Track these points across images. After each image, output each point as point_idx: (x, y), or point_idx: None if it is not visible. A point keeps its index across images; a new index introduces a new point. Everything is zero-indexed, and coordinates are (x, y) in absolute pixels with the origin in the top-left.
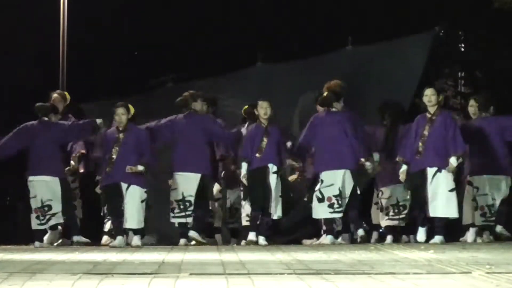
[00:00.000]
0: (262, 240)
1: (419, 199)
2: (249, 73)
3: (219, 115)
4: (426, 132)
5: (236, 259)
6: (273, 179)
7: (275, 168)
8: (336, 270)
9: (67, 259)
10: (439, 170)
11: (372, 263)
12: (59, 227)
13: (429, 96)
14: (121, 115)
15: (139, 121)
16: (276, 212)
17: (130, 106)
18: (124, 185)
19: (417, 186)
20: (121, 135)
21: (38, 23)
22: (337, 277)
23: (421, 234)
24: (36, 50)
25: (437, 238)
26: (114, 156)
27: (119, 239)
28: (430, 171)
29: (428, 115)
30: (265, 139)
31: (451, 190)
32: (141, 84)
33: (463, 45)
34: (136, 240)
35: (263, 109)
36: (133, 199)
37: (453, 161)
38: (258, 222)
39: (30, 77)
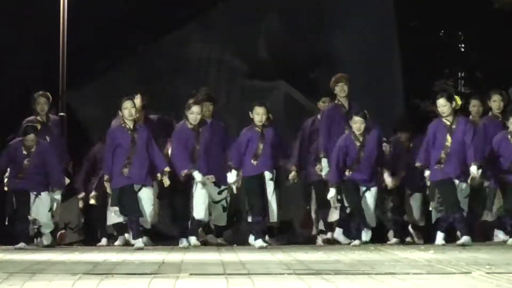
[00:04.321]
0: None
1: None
2: (212, 16)
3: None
4: (448, 143)
5: (236, 259)
6: (270, 186)
7: (270, 175)
8: (336, 270)
9: (67, 259)
10: (464, 180)
11: (372, 263)
12: None
13: (441, 107)
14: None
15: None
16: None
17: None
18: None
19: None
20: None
21: (38, 23)
22: (337, 277)
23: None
24: (36, 50)
25: (440, 236)
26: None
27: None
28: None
29: (447, 123)
30: (261, 145)
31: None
32: (112, 56)
33: (463, 45)
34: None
35: (259, 116)
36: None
37: (473, 169)
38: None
39: (30, 77)
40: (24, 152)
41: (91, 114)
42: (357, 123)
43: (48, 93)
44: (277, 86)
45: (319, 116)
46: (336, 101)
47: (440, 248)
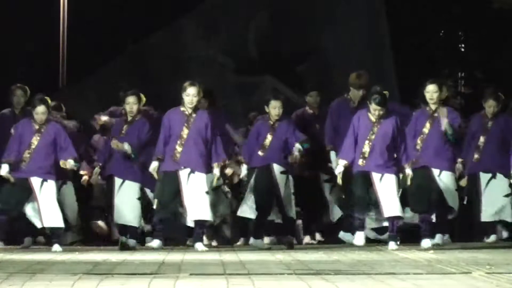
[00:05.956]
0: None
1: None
2: (201, 11)
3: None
4: (426, 130)
5: (236, 259)
6: (281, 179)
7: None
8: (336, 270)
9: (67, 259)
10: (440, 172)
11: (372, 263)
12: None
13: (431, 93)
14: (132, 104)
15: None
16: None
17: (141, 95)
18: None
19: (420, 185)
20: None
21: (38, 23)
22: (337, 277)
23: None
24: (36, 50)
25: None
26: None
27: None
28: (435, 171)
29: (429, 111)
30: (269, 136)
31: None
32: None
33: (463, 45)
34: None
35: (276, 110)
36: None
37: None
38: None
39: (30, 77)
40: (35, 126)
41: (89, 113)
42: (376, 111)
43: (25, 87)
44: (264, 81)
45: (307, 108)
46: (345, 95)
47: (440, 248)
